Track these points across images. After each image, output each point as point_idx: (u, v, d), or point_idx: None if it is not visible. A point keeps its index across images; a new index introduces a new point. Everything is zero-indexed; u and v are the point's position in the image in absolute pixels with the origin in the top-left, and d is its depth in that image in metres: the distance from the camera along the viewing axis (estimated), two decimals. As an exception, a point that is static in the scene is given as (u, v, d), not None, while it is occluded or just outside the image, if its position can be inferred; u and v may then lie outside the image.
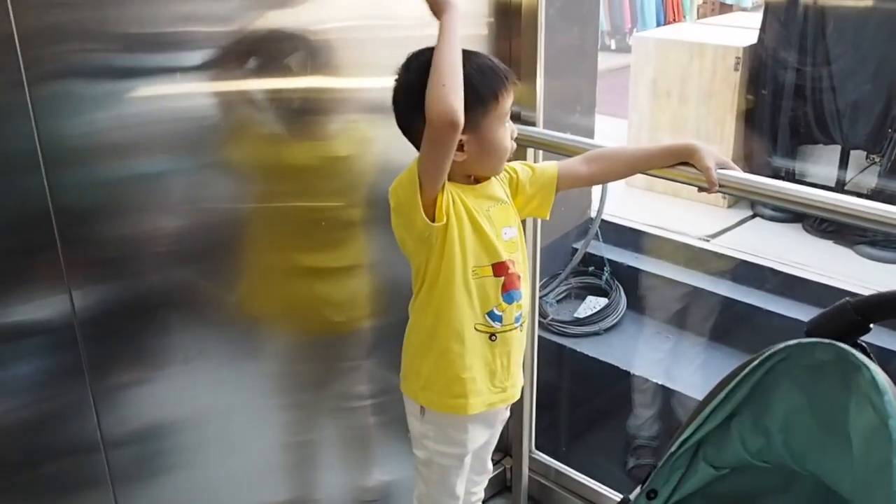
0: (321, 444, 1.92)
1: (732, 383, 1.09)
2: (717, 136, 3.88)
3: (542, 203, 1.56)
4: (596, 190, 2.76)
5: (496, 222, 1.44)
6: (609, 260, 2.72)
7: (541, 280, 2.31)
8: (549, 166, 1.56)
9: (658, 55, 4.02)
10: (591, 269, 2.74)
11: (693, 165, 1.45)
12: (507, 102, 1.38)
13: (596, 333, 2.53)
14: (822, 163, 3.82)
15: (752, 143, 3.91)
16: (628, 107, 4.24)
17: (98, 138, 1.31)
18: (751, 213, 3.84)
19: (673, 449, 1.17)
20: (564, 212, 2.72)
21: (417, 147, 1.38)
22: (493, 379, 1.52)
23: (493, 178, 1.48)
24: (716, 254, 2.88)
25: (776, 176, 3.76)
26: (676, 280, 2.68)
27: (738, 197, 1.42)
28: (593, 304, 2.66)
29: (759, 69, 3.79)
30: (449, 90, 1.24)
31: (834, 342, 0.94)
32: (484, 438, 1.64)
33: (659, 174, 1.51)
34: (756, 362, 1.06)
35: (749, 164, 3.92)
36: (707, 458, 1.17)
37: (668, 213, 3.77)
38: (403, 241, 1.44)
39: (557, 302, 2.65)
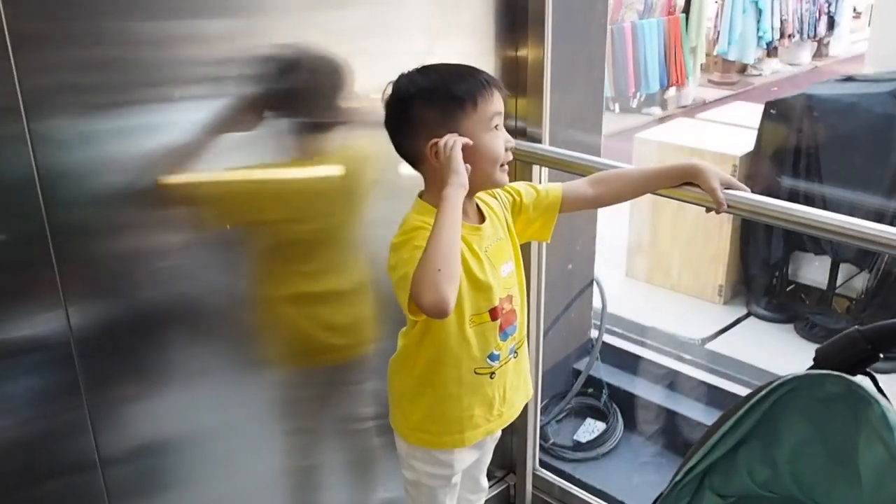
0: (323, 465, 1.89)
1: (740, 412, 1.06)
2: (714, 238, 3.96)
3: (543, 226, 1.54)
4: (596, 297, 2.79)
5: (495, 261, 1.42)
6: (607, 383, 2.78)
7: (542, 401, 2.36)
8: (554, 188, 1.53)
9: (659, 157, 4.14)
10: (590, 390, 2.79)
11: (698, 186, 1.43)
12: (490, 107, 1.34)
13: (594, 458, 2.59)
14: (814, 270, 3.87)
15: (747, 247, 3.97)
16: (629, 209, 4.35)
17: (95, 154, 1.30)
18: (745, 311, 3.90)
19: (678, 477, 1.14)
20: (566, 336, 2.77)
21: (412, 165, 1.38)
22: (492, 410, 1.50)
23: (492, 215, 1.45)
24: (706, 383, 2.86)
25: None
26: (671, 408, 2.74)
27: (746, 218, 1.38)
28: (592, 427, 2.69)
29: (754, 177, 3.83)
30: (444, 277, 1.19)
31: (844, 375, 0.92)
32: (473, 458, 1.62)
33: (668, 194, 1.49)
34: (763, 392, 1.03)
35: (745, 264, 4.00)
36: (713, 487, 1.15)
37: (666, 309, 3.87)
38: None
39: (557, 422, 2.70)
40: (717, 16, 8.23)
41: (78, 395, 1.39)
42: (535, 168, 1.81)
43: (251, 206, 1.53)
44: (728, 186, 1.41)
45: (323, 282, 1.70)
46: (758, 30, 8.30)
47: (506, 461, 2.34)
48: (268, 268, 1.60)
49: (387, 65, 1.41)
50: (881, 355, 1.08)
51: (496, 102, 1.35)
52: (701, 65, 8.12)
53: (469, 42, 1.78)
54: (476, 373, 1.44)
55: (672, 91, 8.06)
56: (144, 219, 1.40)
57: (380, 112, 1.41)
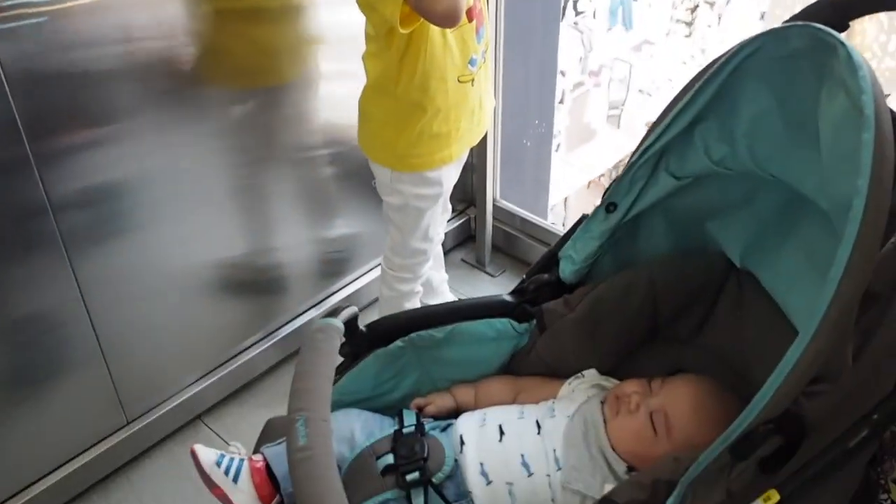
0: (277, 196, 1.88)
1: (698, 84, 1.02)
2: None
3: None
4: None
5: None
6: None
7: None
8: None
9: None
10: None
11: None
12: None
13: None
14: None
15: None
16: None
17: None
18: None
19: (634, 159, 1.12)
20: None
21: None
22: (472, 119, 1.51)
23: None
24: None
25: None
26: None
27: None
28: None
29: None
30: None
31: (809, 24, 0.87)
32: (457, 176, 1.63)
33: None
34: (723, 59, 0.98)
35: None
36: (669, 168, 1.13)
37: None
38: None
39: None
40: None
41: (18, 135, 1.34)
42: None
43: None
44: None
45: None
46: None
47: (466, 195, 2.35)
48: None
49: None
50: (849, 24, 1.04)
51: None
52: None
53: None
54: (459, 81, 1.42)
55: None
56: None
57: None
